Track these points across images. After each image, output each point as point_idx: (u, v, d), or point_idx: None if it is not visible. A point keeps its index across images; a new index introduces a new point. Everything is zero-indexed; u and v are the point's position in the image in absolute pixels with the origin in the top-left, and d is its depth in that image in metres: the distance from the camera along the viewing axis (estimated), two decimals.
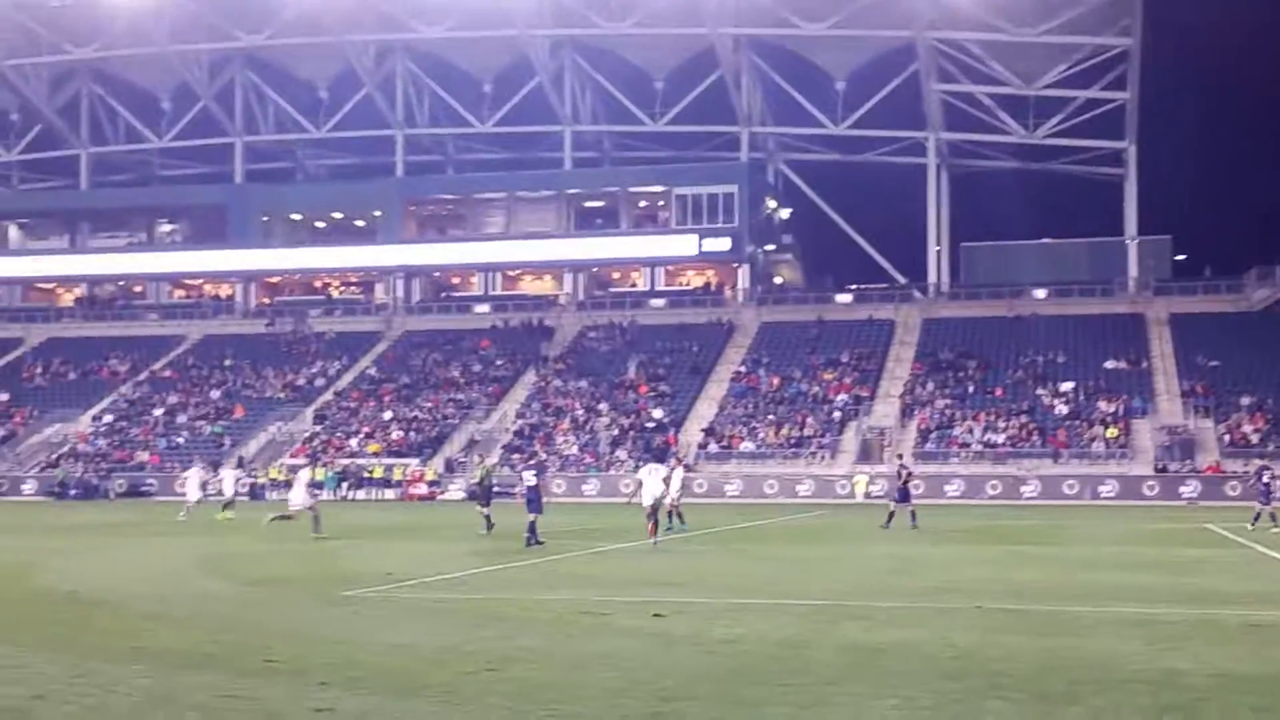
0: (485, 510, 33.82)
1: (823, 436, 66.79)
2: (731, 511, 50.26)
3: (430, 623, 15.55)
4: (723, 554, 27.99)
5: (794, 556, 27.17)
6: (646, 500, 29.92)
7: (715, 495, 62.83)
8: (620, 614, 16.33)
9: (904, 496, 37.55)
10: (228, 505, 42.16)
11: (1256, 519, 36.16)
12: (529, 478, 30.54)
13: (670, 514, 33.93)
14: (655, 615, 16.05)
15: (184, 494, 44.14)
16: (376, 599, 18.26)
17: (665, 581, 20.90)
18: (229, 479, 44.23)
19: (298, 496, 34.41)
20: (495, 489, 35.65)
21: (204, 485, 42.72)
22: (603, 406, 72.01)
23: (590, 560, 25.69)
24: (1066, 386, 67.80)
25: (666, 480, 32.51)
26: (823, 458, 65.36)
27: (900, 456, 46.05)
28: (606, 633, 14.56)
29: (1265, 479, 36.98)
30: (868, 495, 61.00)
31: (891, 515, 36.87)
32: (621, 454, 66.18)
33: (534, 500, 29.47)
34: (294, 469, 50.90)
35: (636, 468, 48.78)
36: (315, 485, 39.14)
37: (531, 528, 28.83)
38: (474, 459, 44.02)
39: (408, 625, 15.34)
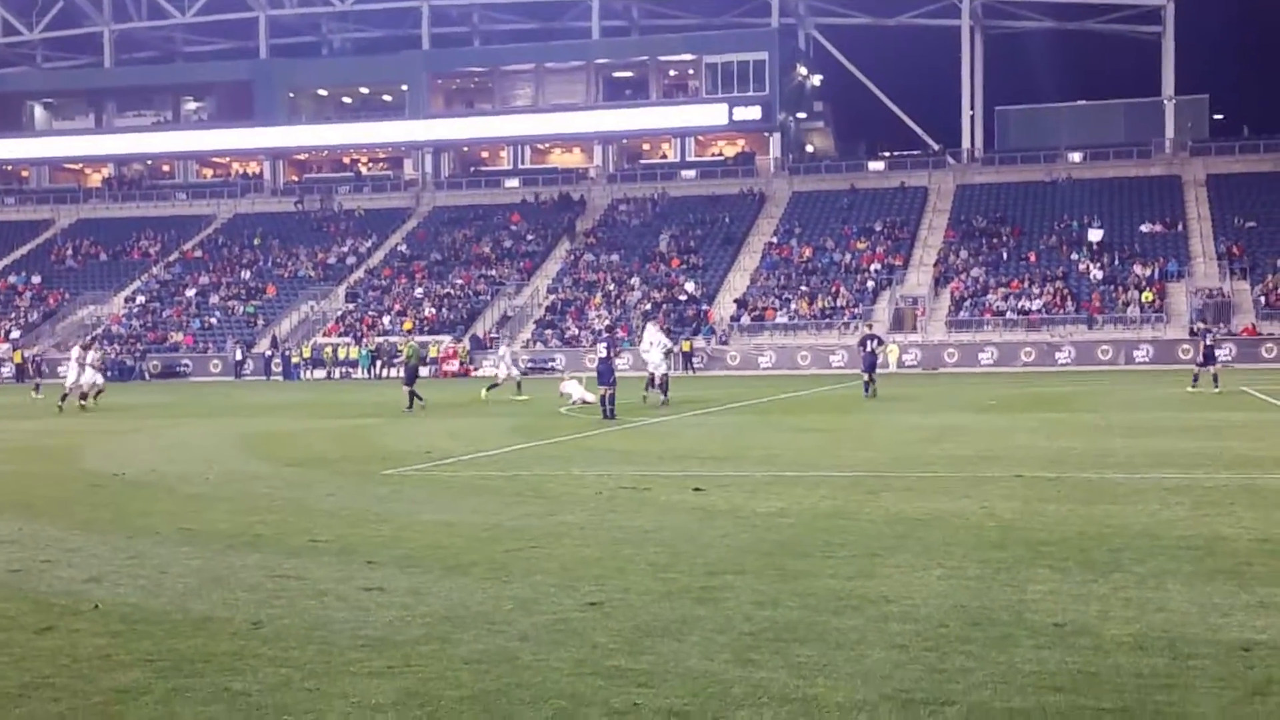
0: (409, 389, 34.68)
1: (856, 306, 66.65)
2: (765, 383, 50.38)
3: (473, 500, 15.63)
4: (759, 426, 28.05)
5: (830, 428, 27.20)
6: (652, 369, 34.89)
7: (748, 367, 63.02)
8: (660, 489, 16.39)
9: (870, 365, 38.13)
10: (493, 386, 41.02)
11: (1196, 380, 38.13)
12: (600, 350, 30.91)
13: (649, 385, 35.56)
14: (695, 489, 16.11)
15: (496, 372, 43.83)
16: (417, 477, 18.39)
17: (703, 455, 20.95)
18: (507, 358, 43.46)
19: (502, 370, 41.72)
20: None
21: (516, 361, 41.61)
22: (634, 280, 71.90)
23: (626, 435, 25.77)
24: (1095, 236, 67.54)
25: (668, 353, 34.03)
26: (856, 328, 65.23)
27: (870, 327, 47.63)
28: (648, 508, 14.61)
29: (1208, 341, 39.82)
30: (900, 364, 61.07)
31: (868, 384, 37.55)
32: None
33: (606, 373, 29.79)
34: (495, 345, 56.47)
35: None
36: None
37: (606, 400, 29.67)
38: (400, 337, 44.69)
39: (450, 503, 15.43)
